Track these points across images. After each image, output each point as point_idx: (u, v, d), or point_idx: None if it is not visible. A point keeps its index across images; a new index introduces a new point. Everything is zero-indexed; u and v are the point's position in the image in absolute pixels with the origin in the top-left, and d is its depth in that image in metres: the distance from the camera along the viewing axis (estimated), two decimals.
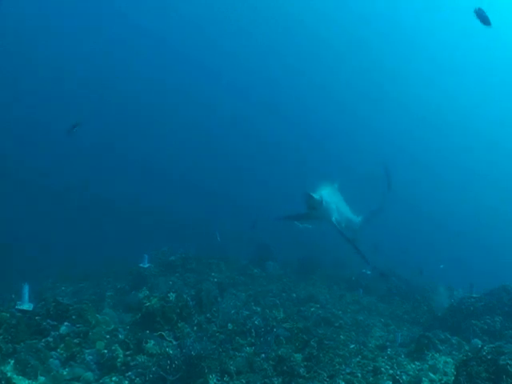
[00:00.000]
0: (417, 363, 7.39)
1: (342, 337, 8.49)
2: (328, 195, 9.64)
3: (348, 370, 6.44)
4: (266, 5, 45.37)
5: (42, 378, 5.66)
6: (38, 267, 13.48)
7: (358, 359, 7.10)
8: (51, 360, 5.92)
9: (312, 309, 10.31)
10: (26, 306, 6.83)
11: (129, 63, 41.38)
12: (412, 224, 30.37)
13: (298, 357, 6.62)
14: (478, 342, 8.30)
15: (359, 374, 6.34)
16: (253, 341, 7.13)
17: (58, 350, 6.12)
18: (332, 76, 47.89)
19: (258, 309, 9.54)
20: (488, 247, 27.26)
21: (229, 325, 7.69)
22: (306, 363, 6.43)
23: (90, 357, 6.15)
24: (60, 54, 38.42)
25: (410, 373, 6.91)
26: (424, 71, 48.46)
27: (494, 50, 46.95)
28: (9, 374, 5.44)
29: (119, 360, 6.13)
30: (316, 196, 9.00)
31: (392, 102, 47.10)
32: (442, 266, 16.01)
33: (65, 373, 5.81)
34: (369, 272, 14.20)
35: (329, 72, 47.91)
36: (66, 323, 6.54)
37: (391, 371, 6.70)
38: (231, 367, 6.12)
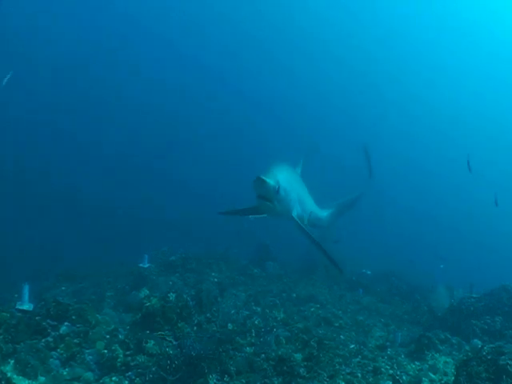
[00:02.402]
0: (417, 363, 7.40)
1: (342, 337, 8.50)
2: (287, 181, 7.03)
3: (348, 370, 6.43)
4: (265, 6, 45.46)
5: (42, 378, 5.66)
6: (38, 267, 13.48)
7: (358, 359, 7.10)
8: (51, 360, 5.92)
9: (312, 309, 10.31)
10: (26, 306, 6.82)
11: (127, 64, 41.47)
12: (411, 224, 30.41)
13: (298, 357, 6.62)
14: (477, 342, 8.31)
15: (359, 374, 6.34)
16: (253, 341, 7.13)
17: (58, 350, 6.11)
18: (330, 76, 47.94)
19: (258, 309, 9.54)
20: (488, 247, 27.31)
21: (229, 325, 7.69)
22: (305, 363, 6.42)
23: (90, 357, 6.15)
24: (61, 55, 38.45)
25: (410, 373, 6.91)
26: (422, 71, 48.55)
27: (492, 50, 47.04)
28: (9, 374, 5.45)
29: (119, 360, 6.13)
30: (270, 181, 6.42)
31: (388, 102, 47.18)
32: (442, 266, 16.02)
33: (65, 373, 5.82)
34: (369, 272, 14.21)
35: (327, 72, 47.95)
36: (66, 323, 6.54)
37: (391, 371, 6.71)
38: (231, 367, 6.11)
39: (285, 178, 6.95)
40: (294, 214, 7.43)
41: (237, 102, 43.10)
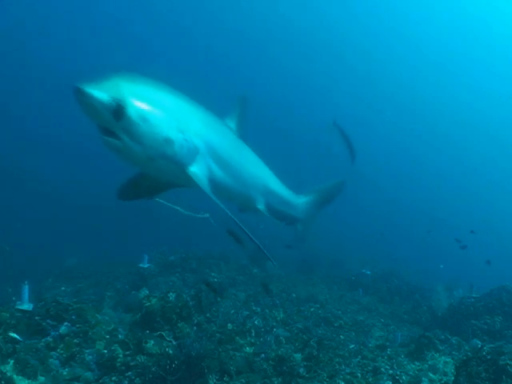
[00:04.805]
0: (417, 363, 7.39)
1: (341, 337, 8.50)
2: (171, 110, 4.05)
3: (348, 370, 6.43)
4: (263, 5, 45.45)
5: (41, 378, 5.66)
6: (38, 267, 13.48)
7: (357, 359, 7.10)
8: (51, 360, 5.92)
9: (312, 309, 10.31)
10: (26, 306, 6.82)
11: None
12: (410, 222, 30.40)
13: (298, 357, 6.62)
14: (477, 342, 8.31)
15: (359, 374, 6.34)
16: (252, 341, 7.13)
17: (58, 350, 6.11)
18: (328, 72, 47.93)
19: (258, 309, 9.54)
20: (488, 246, 27.29)
21: (228, 325, 7.69)
22: (305, 363, 6.43)
23: (90, 357, 6.15)
24: (59, 54, 38.44)
25: (410, 373, 6.90)
26: (421, 68, 48.59)
27: (492, 47, 47.04)
28: (9, 374, 5.45)
29: (119, 360, 6.12)
30: (99, 93, 3.49)
31: (384, 97, 47.20)
32: (441, 266, 16.03)
33: (65, 373, 5.81)
34: (368, 272, 14.23)
35: (324, 68, 47.94)
36: (65, 323, 6.54)
37: (391, 371, 6.70)
38: (231, 367, 6.11)
39: (161, 101, 3.97)
40: (193, 169, 4.30)
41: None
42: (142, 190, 4.92)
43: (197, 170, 4.37)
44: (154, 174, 4.47)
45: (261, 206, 5.87)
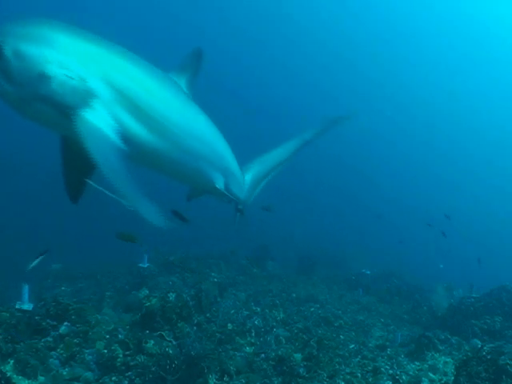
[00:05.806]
0: (417, 363, 7.40)
1: (341, 337, 8.50)
2: (84, 54, 3.52)
3: (348, 370, 6.44)
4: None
5: (41, 378, 5.66)
6: (38, 267, 13.46)
7: (357, 359, 7.11)
8: (51, 360, 5.92)
9: (312, 309, 10.31)
10: (26, 305, 6.82)
11: None
12: (409, 223, 30.41)
13: (298, 357, 6.63)
14: (477, 341, 8.32)
15: (359, 374, 6.34)
16: (252, 341, 7.14)
17: (58, 350, 6.11)
18: (326, 74, 47.94)
19: (258, 309, 9.55)
20: (488, 246, 27.34)
21: (228, 325, 7.69)
22: (305, 363, 6.43)
23: (90, 357, 6.15)
24: None
25: (410, 373, 6.91)
26: (421, 69, 48.63)
27: (490, 48, 47.07)
28: (8, 374, 5.44)
29: (119, 360, 6.12)
30: None
31: (386, 99, 47.22)
32: (441, 266, 16.04)
33: (64, 373, 5.81)
34: (368, 272, 14.25)
35: (323, 70, 47.94)
36: (65, 323, 6.54)
37: (391, 371, 6.71)
38: (231, 367, 6.12)
39: (50, 39, 3.42)
40: (90, 117, 3.46)
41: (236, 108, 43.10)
42: (78, 169, 4.10)
43: (91, 117, 3.47)
44: (46, 126, 3.78)
45: (220, 186, 5.11)
